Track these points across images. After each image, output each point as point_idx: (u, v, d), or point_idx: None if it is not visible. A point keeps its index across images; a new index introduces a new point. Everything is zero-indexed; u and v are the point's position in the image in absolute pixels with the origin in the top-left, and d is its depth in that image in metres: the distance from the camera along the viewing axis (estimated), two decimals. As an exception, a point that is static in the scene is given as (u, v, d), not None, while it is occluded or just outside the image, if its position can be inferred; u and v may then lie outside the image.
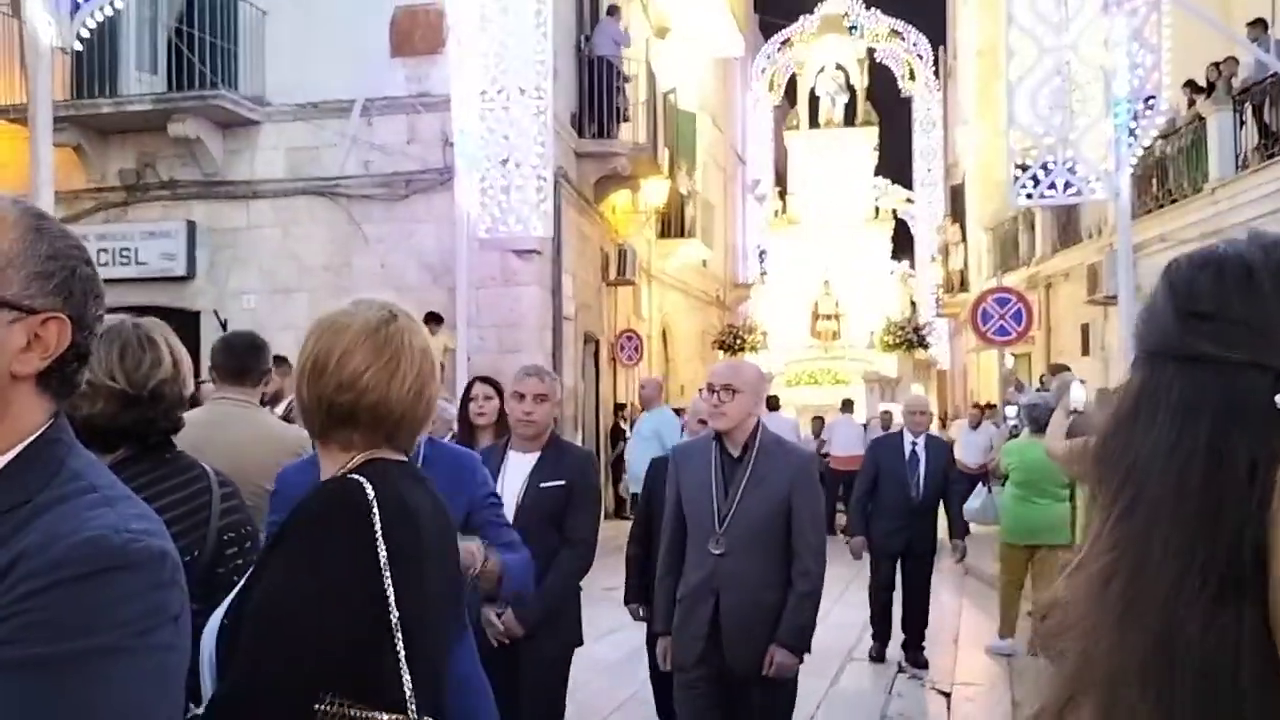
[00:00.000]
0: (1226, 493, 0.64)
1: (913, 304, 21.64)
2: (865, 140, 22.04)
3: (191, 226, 12.17)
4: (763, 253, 23.30)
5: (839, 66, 22.63)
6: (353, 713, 1.46)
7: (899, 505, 7.26)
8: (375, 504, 1.52)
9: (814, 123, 22.69)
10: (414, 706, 1.55)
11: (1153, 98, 9.21)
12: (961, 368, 24.72)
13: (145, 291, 11.89)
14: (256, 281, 12.16)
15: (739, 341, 19.74)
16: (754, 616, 3.70)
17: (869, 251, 21.01)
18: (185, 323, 12.00)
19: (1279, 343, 0.66)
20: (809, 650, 3.84)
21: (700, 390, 4.14)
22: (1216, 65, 12.92)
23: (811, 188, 21.63)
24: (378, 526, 1.50)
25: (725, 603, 3.71)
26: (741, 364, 4.15)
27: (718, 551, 3.70)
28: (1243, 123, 12.23)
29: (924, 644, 7.40)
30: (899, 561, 7.38)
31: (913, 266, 25.65)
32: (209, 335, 12.13)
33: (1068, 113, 9.46)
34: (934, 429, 15.31)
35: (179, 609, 1.16)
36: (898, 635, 7.46)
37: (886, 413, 14.52)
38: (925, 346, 20.14)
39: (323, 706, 1.45)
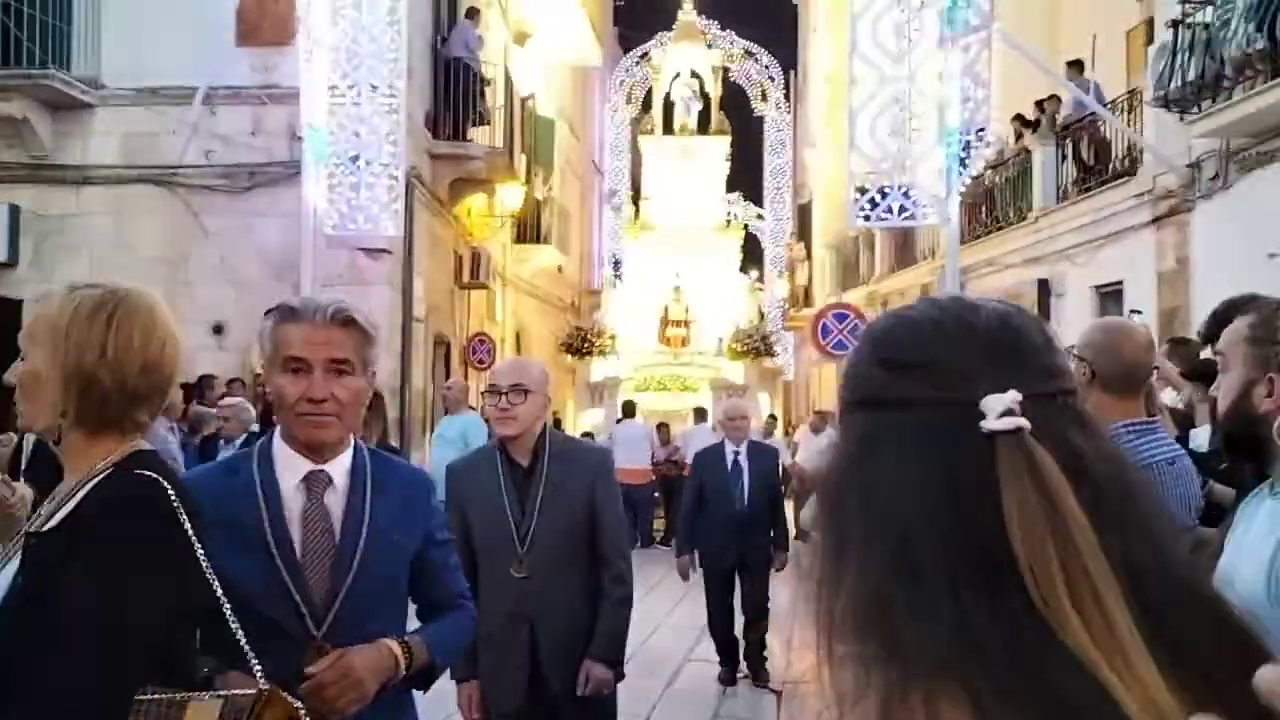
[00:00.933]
0: (968, 511, 0.75)
1: (760, 314, 21.78)
2: (718, 148, 22.09)
3: (15, 211, 11.49)
4: (617, 262, 23.41)
5: (694, 74, 22.63)
6: (178, 697, 1.47)
7: (726, 518, 6.90)
8: (171, 494, 1.54)
9: (668, 129, 22.51)
10: (261, 672, 1.62)
11: (983, 129, 9.76)
12: (806, 378, 25.54)
13: None
14: (86, 272, 11.55)
15: (586, 345, 19.50)
16: (576, 638, 3.37)
17: (719, 260, 21.00)
18: (6, 312, 11.36)
19: (972, 381, 0.79)
20: (622, 663, 3.53)
21: (482, 394, 3.99)
22: (1041, 102, 13.80)
23: (665, 194, 21.51)
24: (183, 519, 1.52)
25: (542, 630, 3.33)
26: (528, 362, 3.78)
27: (521, 575, 3.30)
28: (1064, 157, 13.10)
29: (766, 657, 7.17)
30: (735, 577, 7.06)
31: (761, 279, 26.30)
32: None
33: (904, 140, 9.94)
34: (778, 436, 15.79)
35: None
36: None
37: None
38: (772, 355, 20.23)
39: (145, 698, 1.45)
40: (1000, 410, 0.77)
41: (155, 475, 1.56)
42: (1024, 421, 0.77)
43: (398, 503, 2.13)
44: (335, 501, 2.06)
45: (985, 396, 0.78)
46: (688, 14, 22.91)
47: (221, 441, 6.50)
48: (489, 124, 14.84)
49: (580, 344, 19.61)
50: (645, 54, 23.67)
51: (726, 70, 24.38)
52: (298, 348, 1.99)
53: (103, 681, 1.42)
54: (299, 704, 1.64)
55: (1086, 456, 0.79)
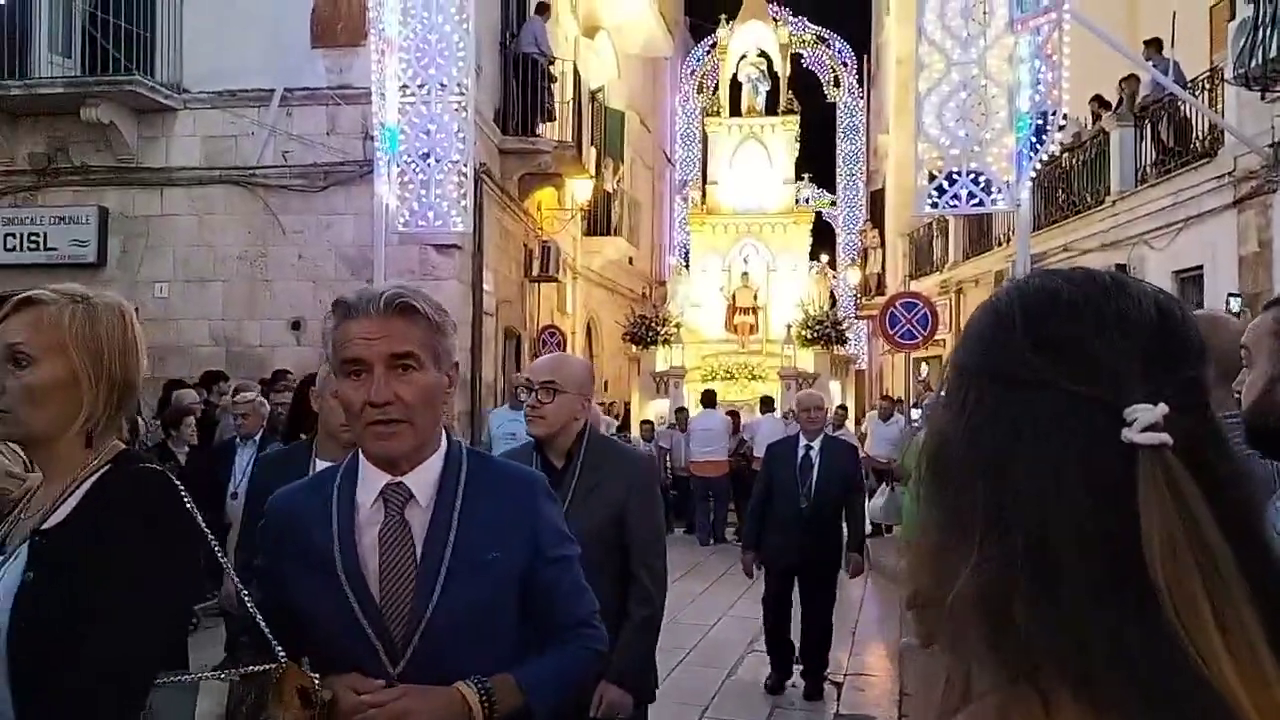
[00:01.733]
0: (1106, 517, 0.73)
1: (832, 299, 21.08)
2: (787, 130, 21.31)
3: (104, 213, 11.97)
4: (687, 251, 23.22)
5: (761, 53, 21.82)
6: (190, 678, 1.57)
7: (788, 517, 6.54)
8: (180, 487, 1.61)
9: (735, 110, 21.73)
10: (281, 650, 1.67)
11: (1054, 113, 9.56)
12: (878, 368, 25.28)
13: (55, 278, 11.43)
14: (170, 270, 12.01)
15: (651, 333, 19.02)
16: None
17: (789, 245, 20.38)
18: (95, 311, 11.86)
19: (1124, 384, 0.76)
20: (648, 695, 3.27)
21: (517, 388, 3.80)
22: (1122, 81, 13.43)
23: (732, 178, 20.87)
24: (193, 510, 1.59)
25: None
26: (567, 360, 3.52)
27: None
28: (1142, 138, 12.75)
29: (826, 674, 6.76)
30: (796, 579, 6.66)
31: (833, 266, 26.05)
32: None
33: (973, 125, 9.78)
34: (849, 425, 15.49)
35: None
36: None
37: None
38: (844, 342, 19.51)
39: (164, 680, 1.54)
40: (1147, 424, 0.75)
41: (161, 469, 1.63)
42: (1168, 438, 0.74)
43: (498, 513, 1.82)
44: (418, 518, 1.78)
45: (1133, 405, 0.76)
46: None
47: (239, 440, 6.18)
48: (555, 119, 14.96)
49: (644, 332, 19.17)
50: (715, 43, 23.48)
51: (799, 56, 24.17)
52: (354, 347, 1.72)
53: (131, 670, 1.49)
54: (316, 675, 1.64)
55: (1221, 477, 0.77)
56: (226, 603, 2.61)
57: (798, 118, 21.76)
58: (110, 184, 12.04)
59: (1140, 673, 0.70)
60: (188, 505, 1.57)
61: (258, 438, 6.01)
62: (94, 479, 1.61)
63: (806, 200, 21.97)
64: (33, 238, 11.80)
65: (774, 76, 21.96)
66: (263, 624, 1.67)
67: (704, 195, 21.69)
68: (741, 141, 21.12)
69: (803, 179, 21.88)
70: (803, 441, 6.79)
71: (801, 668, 6.72)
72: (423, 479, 1.80)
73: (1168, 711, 0.69)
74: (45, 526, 1.56)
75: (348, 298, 1.78)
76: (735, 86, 22.19)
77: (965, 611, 0.76)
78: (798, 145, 21.62)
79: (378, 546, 1.76)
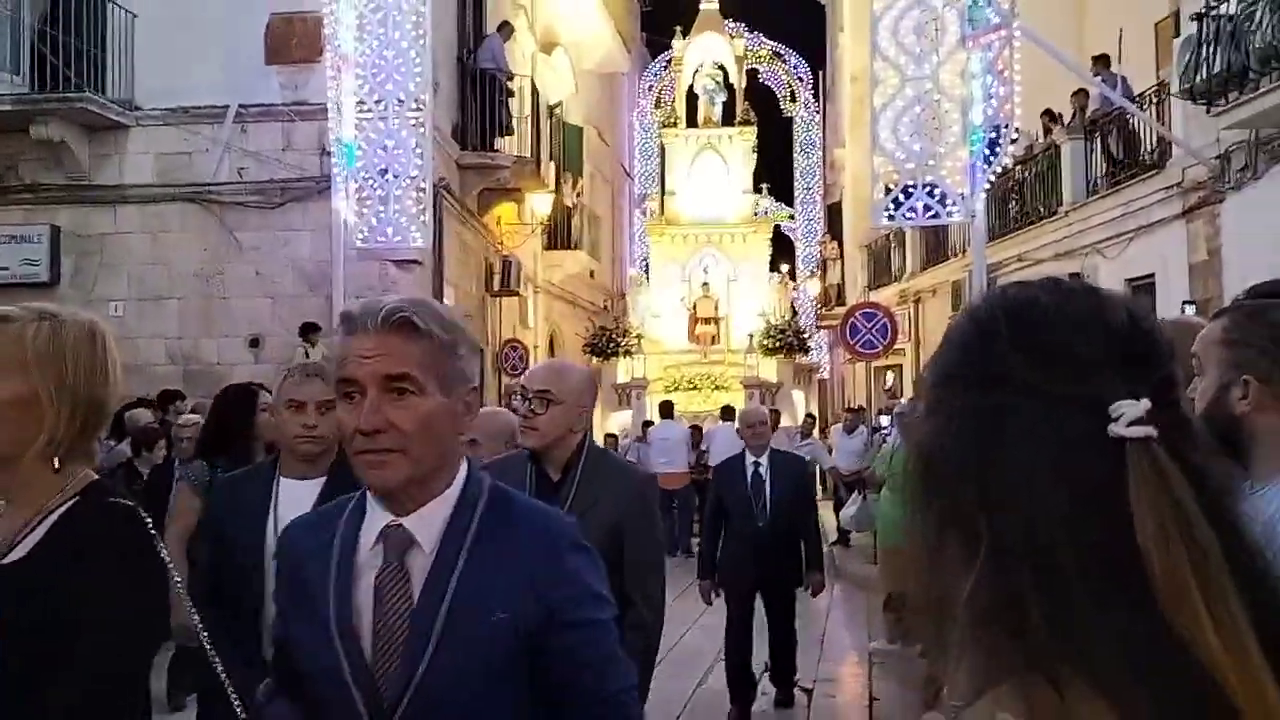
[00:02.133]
0: (1101, 515, 0.76)
1: (793, 309, 20.89)
2: (744, 139, 21.30)
3: (55, 231, 11.78)
4: (648, 264, 23.22)
5: (718, 65, 21.91)
6: None
7: (745, 537, 6.35)
8: (149, 523, 1.58)
9: (692, 122, 21.77)
10: (235, 694, 1.69)
11: (1006, 126, 9.73)
12: (840, 377, 25.47)
13: (6, 297, 11.21)
14: (125, 289, 11.84)
15: (611, 345, 18.85)
16: None
17: (749, 254, 20.38)
18: (47, 331, 11.66)
19: (1108, 383, 0.79)
20: None
21: (513, 396, 3.80)
22: (1073, 96, 13.69)
23: (690, 189, 20.85)
24: (160, 548, 1.57)
25: None
26: (566, 367, 3.36)
27: None
28: (1093, 151, 13.00)
29: (795, 680, 6.75)
30: (756, 597, 6.46)
31: (793, 277, 26.24)
32: (73, 344, 11.77)
33: (927, 139, 9.93)
34: (816, 436, 15.54)
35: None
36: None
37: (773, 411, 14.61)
38: (806, 351, 19.51)
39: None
40: (1133, 417, 0.77)
41: (132, 504, 1.59)
42: (1154, 431, 0.77)
43: (512, 565, 1.56)
44: (419, 565, 1.56)
45: (1116, 401, 0.78)
46: (710, 4, 22.20)
47: (177, 462, 5.73)
48: (513, 134, 14.97)
49: (605, 344, 18.97)
50: (672, 57, 23.64)
51: (755, 72, 24.36)
52: (348, 366, 1.53)
53: (100, 713, 1.46)
54: None
55: (1196, 466, 0.79)
56: (177, 635, 2.48)
57: (754, 128, 21.69)
58: (62, 202, 11.86)
59: (1149, 672, 0.73)
60: (156, 543, 1.54)
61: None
62: (62, 510, 1.55)
63: (765, 212, 21.99)
64: None
65: (730, 88, 21.94)
66: (218, 666, 1.66)
67: (662, 206, 21.67)
68: (699, 152, 21.06)
69: (761, 190, 21.87)
70: (750, 458, 6.57)
71: (769, 671, 6.70)
72: (427, 520, 1.57)
73: (1173, 707, 0.72)
74: (7, 560, 1.51)
75: (352, 309, 1.58)
76: (692, 98, 22.21)
77: (978, 616, 0.78)
78: (755, 155, 21.56)
79: (374, 596, 1.56)
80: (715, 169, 20.85)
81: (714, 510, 6.63)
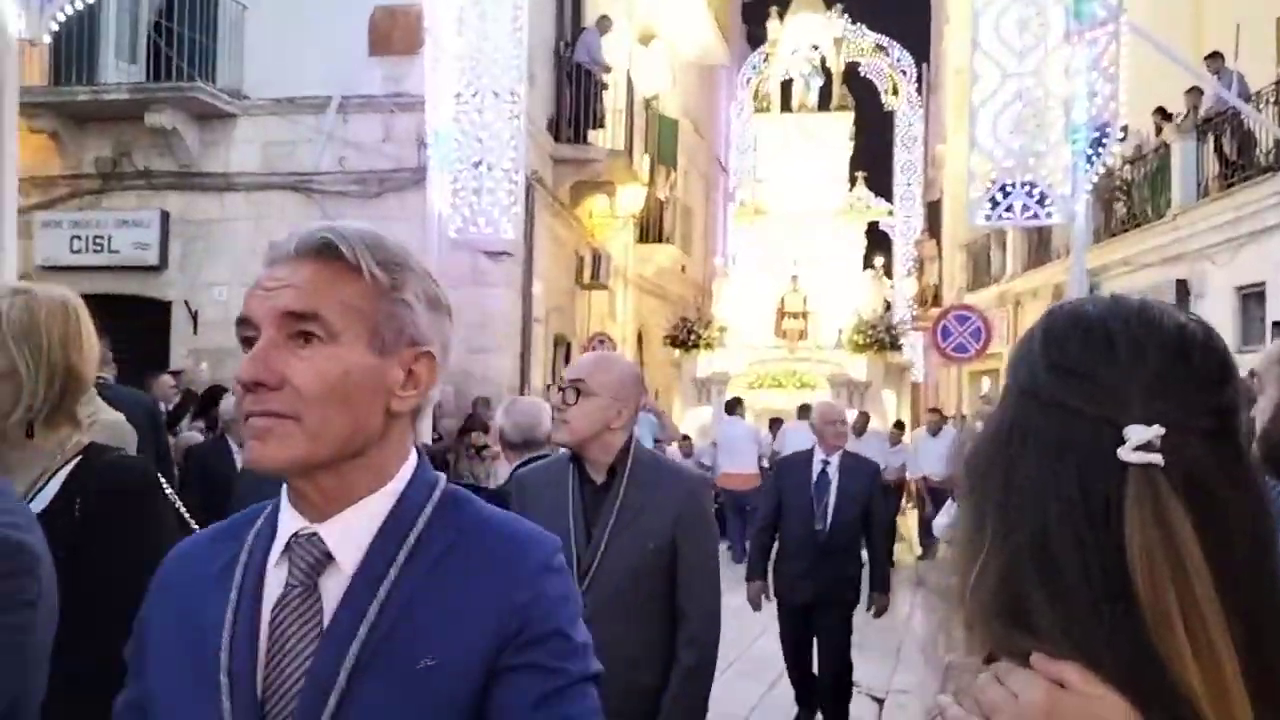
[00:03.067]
0: (1100, 523, 0.80)
1: (887, 305, 19.42)
2: (840, 126, 19.88)
3: (165, 216, 12.26)
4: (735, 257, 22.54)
5: (814, 46, 20.50)
6: None
7: (803, 542, 5.89)
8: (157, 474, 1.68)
9: (786, 106, 20.38)
10: None
11: (1109, 125, 9.41)
12: (935, 381, 25.00)
13: (117, 280, 11.99)
14: (228, 273, 12.24)
15: (693, 337, 17.93)
16: (636, 704, 2.65)
17: (842, 248, 19.03)
18: (156, 312, 12.13)
19: (1125, 405, 0.82)
20: None
21: (549, 387, 3.81)
22: (1187, 94, 13.17)
23: (782, 176, 19.39)
24: (175, 499, 1.64)
25: None
26: (608, 358, 3.14)
27: None
28: (1205, 152, 12.48)
29: (861, 691, 6.28)
30: (810, 613, 5.97)
31: (888, 273, 25.70)
32: (179, 325, 12.23)
33: (1028, 137, 9.65)
34: (906, 442, 15.01)
35: (34, 595, 1.28)
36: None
37: (863, 414, 13.88)
38: (898, 347, 18.17)
39: None
40: (1138, 442, 0.80)
41: (139, 458, 1.68)
42: (1156, 458, 0.79)
43: (457, 598, 1.13)
44: (334, 590, 1.13)
45: (1130, 425, 0.81)
46: None
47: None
48: (604, 127, 15.02)
49: (686, 336, 18.10)
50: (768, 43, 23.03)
51: (856, 65, 23.94)
52: (248, 301, 1.16)
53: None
54: None
55: (1222, 500, 0.81)
56: None
57: (851, 114, 20.40)
58: (172, 188, 12.32)
59: (1130, 681, 0.77)
60: (169, 494, 1.61)
61: None
62: (69, 469, 1.64)
63: (861, 201, 20.03)
64: (97, 240, 12.10)
65: (827, 72, 20.69)
66: None
67: (752, 193, 20.44)
68: (792, 138, 19.75)
69: (856, 180, 20.06)
70: (819, 455, 6.09)
71: (821, 702, 6.13)
72: (349, 529, 1.15)
73: (1137, 683, 0.77)
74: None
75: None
76: (788, 83, 20.90)
77: (982, 593, 0.84)
78: (851, 143, 20.22)
79: (268, 631, 1.13)
80: (809, 156, 19.47)
81: (771, 508, 6.09)
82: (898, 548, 12.24)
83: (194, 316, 11.97)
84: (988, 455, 0.89)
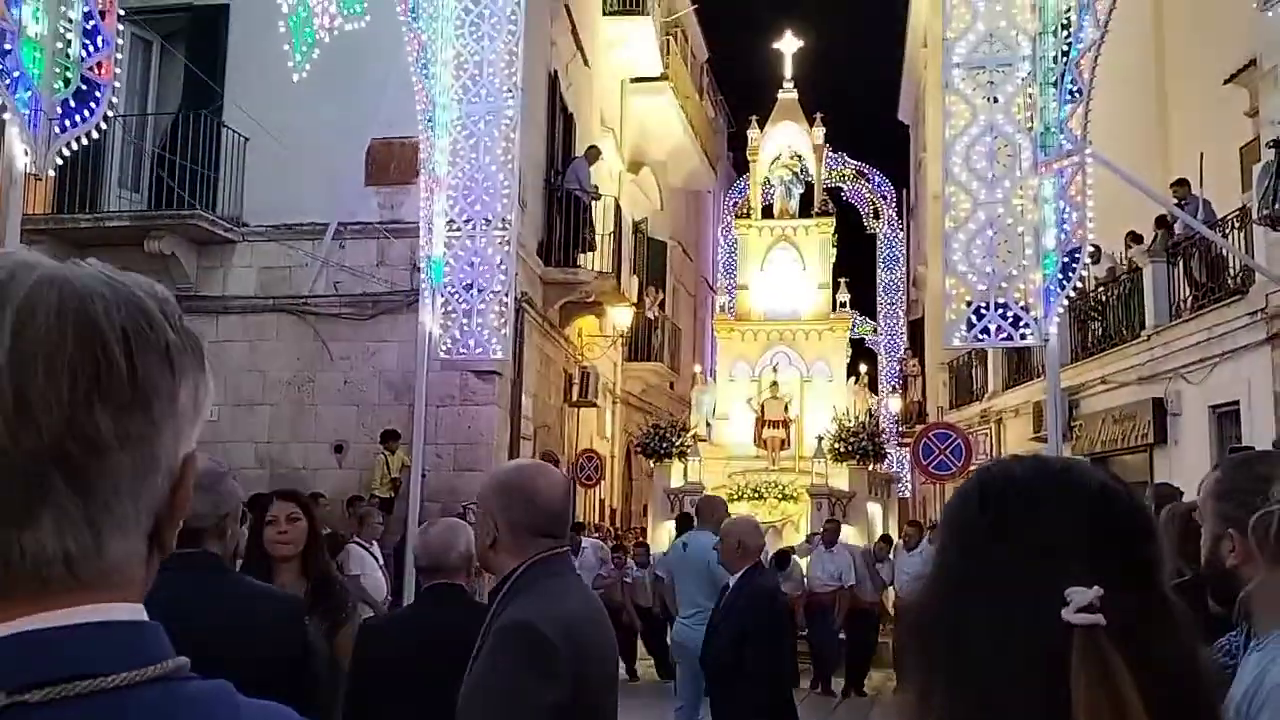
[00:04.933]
0: (1047, 683, 0.82)
1: (870, 415, 18.71)
2: (821, 232, 19.48)
3: (161, 338, 12.46)
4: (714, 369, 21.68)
5: (795, 155, 20.29)
6: None
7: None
8: None
9: (767, 213, 19.94)
10: None
11: (1078, 251, 9.75)
12: (921, 497, 25.04)
13: None
14: (221, 394, 12.41)
15: (664, 445, 16.81)
16: None
17: (824, 353, 18.36)
18: (148, 432, 12.24)
19: (1067, 563, 0.86)
20: None
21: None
22: (1157, 219, 13.62)
23: (764, 281, 19.02)
24: None
25: None
26: (501, 466, 2.89)
27: None
28: (1175, 274, 12.86)
29: None
30: None
31: (876, 391, 25.87)
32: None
33: (999, 262, 9.98)
34: (892, 558, 14.39)
35: None
36: None
37: (831, 521, 13.20)
38: (882, 457, 17.24)
39: None
40: (1081, 604, 0.83)
41: None
42: (1099, 619, 0.82)
43: None
44: None
45: (1070, 587, 0.84)
46: (788, 92, 20.61)
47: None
48: (594, 250, 15.42)
49: (659, 445, 17.00)
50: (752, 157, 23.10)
51: (839, 190, 24.65)
52: None
53: None
54: None
55: (1158, 653, 0.84)
56: None
57: (833, 220, 20.04)
58: (169, 311, 12.56)
59: None
60: None
61: None
62: None
63: (843, 305, 19.24)
64: None
65: (808, 183, 20.19)
66: None
67: (732, 301, 19.70)
68: (773, 244, 19.37)
69: (839, 286, 19.31)
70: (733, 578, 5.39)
71: None
72: None
73: None
74: None
75: None
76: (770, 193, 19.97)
77: None
78: (834, 250, 19.81)
79: None
80: (790, 262, 19.12)
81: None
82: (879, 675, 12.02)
83: None
84: (929, 617, 0.91)
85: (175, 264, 12.31)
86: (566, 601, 2.30)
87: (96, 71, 8.19)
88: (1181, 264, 12.71)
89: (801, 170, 20.12)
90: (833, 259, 19.56)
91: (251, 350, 12.50)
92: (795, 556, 12.40)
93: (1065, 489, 0.91)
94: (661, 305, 20.82)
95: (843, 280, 19.24)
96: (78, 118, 8.27)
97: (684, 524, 12.04)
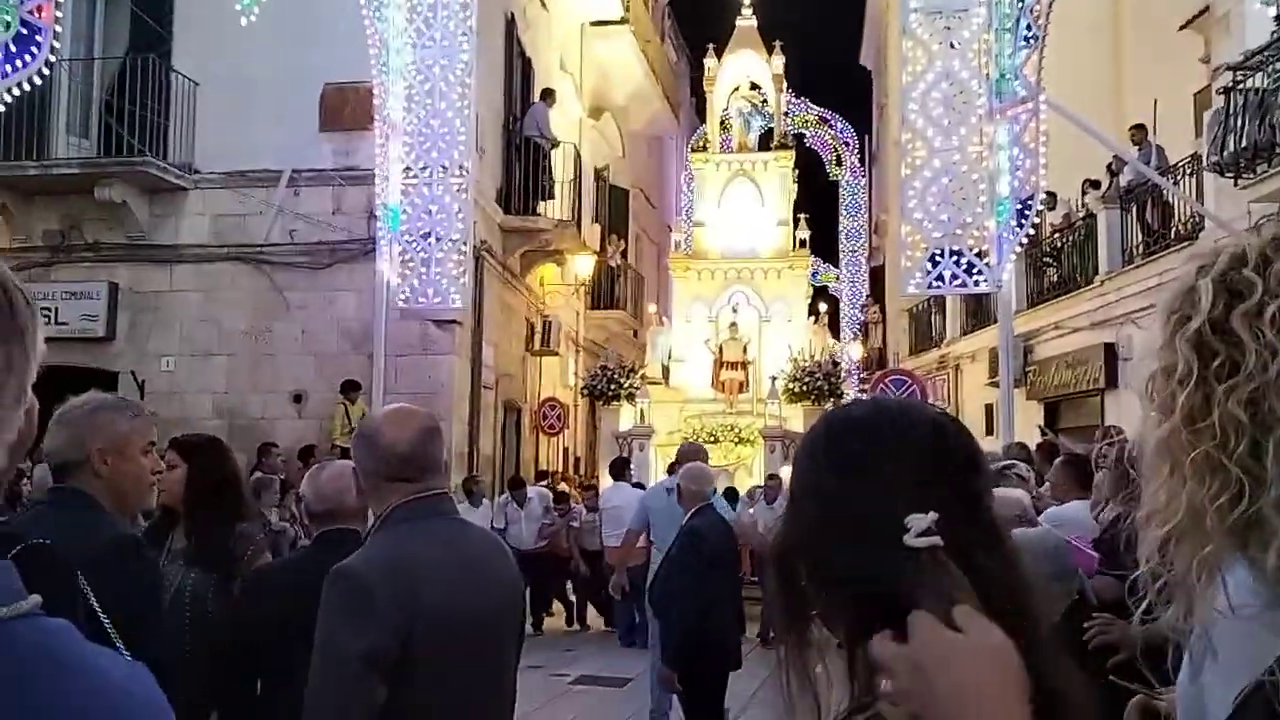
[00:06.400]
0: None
1: (825, 353, 17.41)
2: (781, 166, 18.37)
3: (114, 288, 12.32)
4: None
5: (754, 86, 19.24)
6: None
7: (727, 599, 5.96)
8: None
9: (725, 148, 19.03)
10: None
11: (1031, 198, 9.85)
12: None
13: (63, 352, 11.94)
14: (176, 345, 12.31)
15: (612, 388, 15.99)
16: None
17: (784, 292, 17.64)
18: (102, 383, 12.13)
19: (905, 494, 0.93)
20: None
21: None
22: (1109, 165, 13.76)
23: (721, 218, 18.07)
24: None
25: None
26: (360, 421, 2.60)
27: None
28: (1128, 221, 13.03)
29: None
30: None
31: (837, 337, 25.93)
32: (126, 395, 12.23)
33: (955, 209, 10.07)
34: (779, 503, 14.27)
35: None
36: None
37: (773, 477, 12.67)
38: (839, 396, 16.15)
39: None
40: (920, 529, 0.91)
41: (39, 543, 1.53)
42: (938, 541, 0.91)
43: None
44: None
45: (909, 514, 0.92)
46: (746, 20, 19.39)
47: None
48: (555, 198, 15.35)
49: (605, 387, 16.26)
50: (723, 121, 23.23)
51: (801, 137, 24.55)
52: None
53: None
54: None
55: (986, 568, 0.94)
56: None
57: (792, 153, 19.05)
58: (121, 260, 12.42)
59: None
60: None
61: None
62: None
63: (803, 244, 18.12)
64: (45, 312, 11.83)
65: (767, 113, 19.63)
66: None
67: (689, 238, 18.80)
68: (731, 179, 18.30)
69: (799, 223, 18.23)
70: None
71: None
72: None
73: None
74: None
75: None
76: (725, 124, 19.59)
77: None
78: (795, 186, 18.91)
79: None
80: (748, 198, 18.12)
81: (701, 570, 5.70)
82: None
83: (140, 387, 11.99)
84: (799, 552, 1.01)
85: (127, 212, 12.12)
86: (409, 545, 2.22)
87: (36, 14, 8.00)
88: (1135, 210, 12.87)
89: (761, 103, 19.37)
90: (793, 196, 18.73)
91: (207, 300, 12.37)
92: (741, 503, 12.32)
93: (901, 427, 0.99)
94: (624, 254, 20.78)
95: (802, 217, 18.39)
96: (19, 62, 8.10)
97: (618, 469, 12.32)
